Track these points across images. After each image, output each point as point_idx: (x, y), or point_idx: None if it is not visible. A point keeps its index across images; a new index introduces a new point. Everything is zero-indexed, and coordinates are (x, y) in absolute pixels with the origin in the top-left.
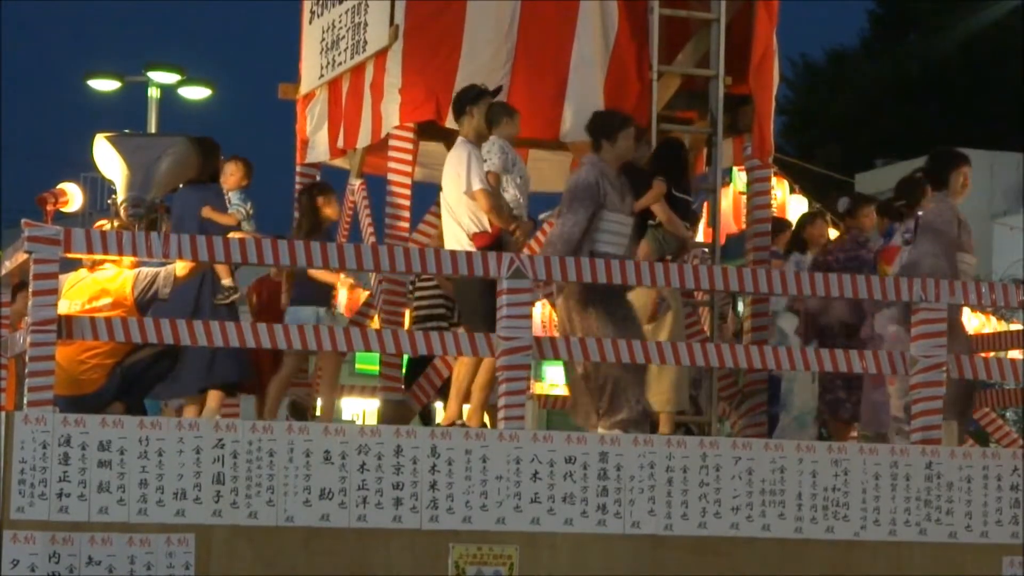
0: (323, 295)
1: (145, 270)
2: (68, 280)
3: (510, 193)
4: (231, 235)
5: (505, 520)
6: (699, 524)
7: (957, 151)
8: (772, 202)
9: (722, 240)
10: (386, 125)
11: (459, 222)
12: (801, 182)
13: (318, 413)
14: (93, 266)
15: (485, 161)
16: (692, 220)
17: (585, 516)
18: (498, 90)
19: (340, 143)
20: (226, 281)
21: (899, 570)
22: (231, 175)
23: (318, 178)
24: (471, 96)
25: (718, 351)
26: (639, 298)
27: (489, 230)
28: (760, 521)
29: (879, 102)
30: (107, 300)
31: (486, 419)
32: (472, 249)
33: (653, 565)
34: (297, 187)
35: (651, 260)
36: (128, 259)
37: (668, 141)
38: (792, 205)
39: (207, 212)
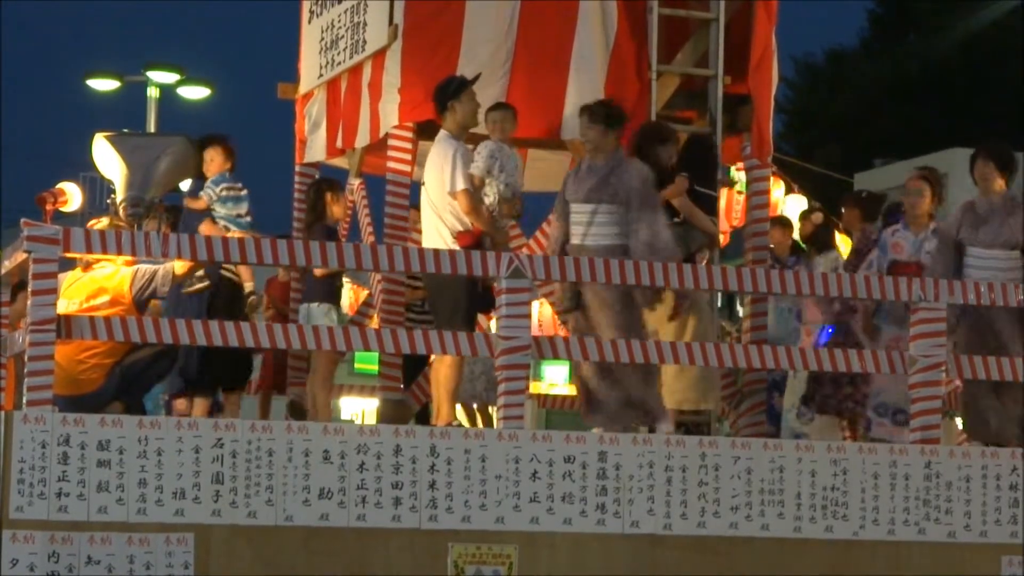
0: (324, 292)
1: (143, 268)
2: (66, 279)
3: (489, 198)
4: (231, 235)
5: (504, 520)
6: (698, 524)
7: (976, 149)
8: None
9: (727, 240)
10: (385, 125)
11: (441, 217)
12: (800, 182)
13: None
14: (88, 266)
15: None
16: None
17: (584, 515)
18: (477, 77)
19: (339, 143)
20: (198, 272)
21: (898, 570)
22: (211, 161)
23: (317, 177)
24: (452, 90)
25: (717, 351)
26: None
27: (472, 229)
28: (759, 521)
29: (878, 102)
30: (105, 298)
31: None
32: (456, 247)
33: (652, 565)
34: (296, 187)
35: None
36: (123, 257)
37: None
38: (788, 204)
39: (186, 202)
